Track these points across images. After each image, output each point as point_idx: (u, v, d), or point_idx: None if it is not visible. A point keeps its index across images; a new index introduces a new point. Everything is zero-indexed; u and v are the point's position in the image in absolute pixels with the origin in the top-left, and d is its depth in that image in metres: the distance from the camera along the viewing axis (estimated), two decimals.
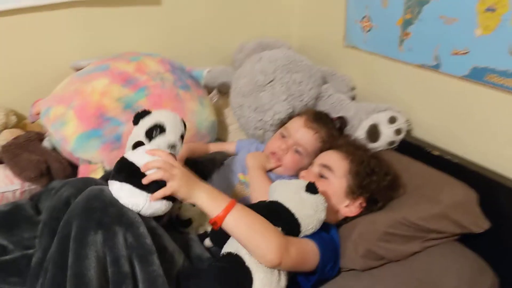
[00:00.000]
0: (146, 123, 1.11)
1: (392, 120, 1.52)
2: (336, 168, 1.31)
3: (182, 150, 1.53)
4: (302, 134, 1.48)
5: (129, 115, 1.47)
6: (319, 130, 1.48)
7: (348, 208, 1.30)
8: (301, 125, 1.49)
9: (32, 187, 1.35)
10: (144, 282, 0.92)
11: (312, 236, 1.15)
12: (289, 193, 1.15)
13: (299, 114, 1.55)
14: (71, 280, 0.89)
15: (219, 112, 1.86)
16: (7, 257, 1.12)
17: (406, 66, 1.58)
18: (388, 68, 1.67)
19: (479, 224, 1.23)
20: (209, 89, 1.91)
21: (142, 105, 1.49)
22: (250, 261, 1.02)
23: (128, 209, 0.96)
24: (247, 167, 1.47)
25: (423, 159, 1.47)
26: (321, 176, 1.32)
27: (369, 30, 1.71)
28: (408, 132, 1.60)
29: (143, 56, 1.63)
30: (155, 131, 1.10)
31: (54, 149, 1.46)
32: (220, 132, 1.84)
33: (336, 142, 1.44)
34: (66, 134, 1.42)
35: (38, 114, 1.52)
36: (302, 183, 1.17)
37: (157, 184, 0.97)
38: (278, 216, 1.10)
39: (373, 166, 1.31)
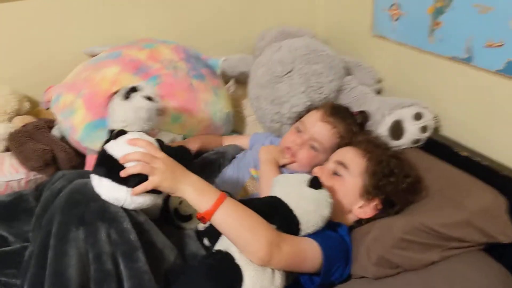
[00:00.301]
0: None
1: (418, 116, 1.40)
2: (351, 166, 1.22)
3: (194, 142, 1.49)
4: (319, 128, 1.39)
5: None
6: (337, 125, 1.39)
7: (362, 209, 1.21)
8: (318, 119, 1.40)
9: (38, 177, 1.32)
10: (129, 279, 0.87)
11: (315, 234, 1.07)
12: (289, 188, 1.08)
13: (316, 108, 1.46)
14: (49, 278, 0.85)
15: (237, 102, 1.79)
16: (7, 248, 1.10)
17: (436, 58, 1.46)
18: (416, 60, 1.55)
19: (508, 233, 1.12)
20: (226, 79, 1.85)
21: None
22: (240, 259, 0.96)
23: (111, 203, 0.91)
24: (259, 161, 1.40)
25: (450, 159, 1.36)
26: (335, 173, 1.23)
27: (397, 19, 1.59)
28: (436, 129, 1.48)
29: (158, 43, 1.58)
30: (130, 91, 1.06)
31: (63, 138, 1.43)
32: (237, 124, 1.77)
33: (355, 138, 1.35)
34: (74, 123, 1.38)
35: (49, 101, 1.49)
36: (305, 177, 1.09)
37: (138, 178, 0.91)
38: (275, 211, 1.04)
39: (393, 166, 1.21)
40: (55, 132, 1.44)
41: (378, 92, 1.74)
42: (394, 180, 1.19)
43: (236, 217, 0.96)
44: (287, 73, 1.52)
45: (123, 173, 0.90)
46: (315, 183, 1.08)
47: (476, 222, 1.11)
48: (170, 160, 0.96)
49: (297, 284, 1.09)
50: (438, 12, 1.40)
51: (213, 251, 1.01)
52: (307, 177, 1.09)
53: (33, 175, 1.32)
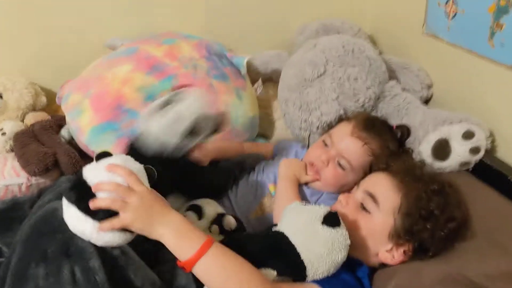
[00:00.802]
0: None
1: (468, 135, 1.19)
2: (383, 201, 1.02)
3: (208, 150, 1.35)
4: (347, 144, 1.20)
5: None
6: (370, 141, 1.20)
7: (390, 253, 1.02)
8: (347, 133, 1.21)
9: (40, 181, 1.24)
10: None
11: (326, 281, 0.91)
12: (300, 224, 0.92)
13: (348, 119, 1.28)
14: None
15: (267, 103, 1.63)
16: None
17: (496, 66, 1.22)
18: (472, 66, 1.32)
19: None
20: (258, 78, 1.70)
21: None
22: None
23: (78, 236, 0.79)
24: (278, 177, 1.25)
25: (505, 190, 1.14)
26: (363, 207, 1.05)
27: (454, 16, 1.36)
28: (490, 151, 1.26)
29: (180, 38, 1.45)
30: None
31: (72, 140, 1.34)
32: (265, 127, 1.62)
33: (393, 160, 1.15)
34: (81, 124, 1.29)
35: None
36: (320, 211, 0.92)
37: (107, 212, 0.78)
38: (278, 253, 0.89)
39: (434, 207, 1.00)
40: (63, 133, 1.35)
41: (427, 100, 1.52)
42: (432, 226, 0.98)
43: (225, 269, 0.82)
44: (318, 76, 1.34)
45: (91, 205, 0.78)
46: (331, 220, 0.91)
47: None
48: (150, 196, 0.83)
49: None
50: (501, 11, 1.16)
51: None
52: (322, 211, 0.92)
53: (34, 180, 1.24)
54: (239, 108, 1.42)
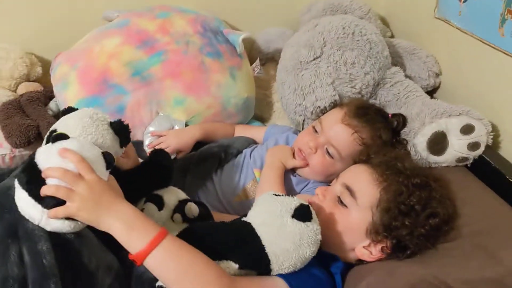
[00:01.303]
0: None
1: (467, 129, 1.11)
2: (360, 195, 0.96)
3: (194, 131, 1.32)
4: (337, 131, 1.15)
5: (136, 83, 1.27)
6: (360, 129, 1.13)
7: (367, 250, 0.96)
8: (338, 120, 1.15)
9: (24, 153, 1.22)
10: None
11: (292, 275, 0.86)
12: (270, 215, 0.86)
13: (341, 105, 1.21)
14: None
15: (266, 84, 1.57)
16: None
17: (505, 56, 1.13)
18: (480, 55, 1.23)
19: None
20: (261, 56, 1.63)
21: (155, 72, 1.28)
22: None
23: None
24: (264, 163, 1.20)
25: (503, 190, 1.07)
26: (341, 201, 0.99)
27: (465, 1, 1.26)
28: (493, 148, 1.18)
29: (175, 12, 1.39)
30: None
31: (59, 113, 1.32)
32: (263, 110, 1.56)
33: (375, 152, 1.08)
34: (67, 97, 1.26)
35: None
36: (291, 203, 0.86)
37: (55, 200, 0.75)
38: (242, 245, 0.84)
39: (414, 202, 0.93)
40: (52, 105, 1.33)
41: (434, 89, 1.44)
42: (411, 223, 0.92)
43: (178, 263, 0.78)
44: (314, 59, 1.27)
45: (41, 192, 0.75)
46: (302, 214, 0.85)
47: None
48: (100, 185, 0.79)
49: None
50: None
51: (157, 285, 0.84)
52: (294, 204, 0.86)
53: (18, 151, 1.22)
54: (232, 88, 1.36)
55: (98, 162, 0.81)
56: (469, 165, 1.16)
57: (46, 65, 1.54)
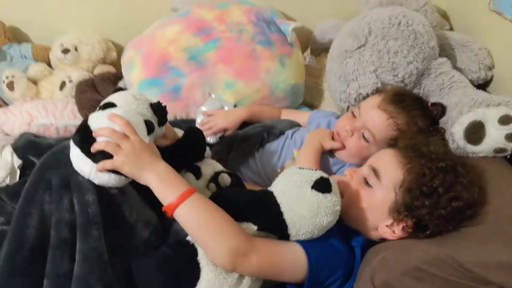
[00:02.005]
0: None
1: (506, 120, 1.10)
2: (385, 176, 1.01)
3: (241, 111, 1.41)
4: (373, 116, 1.19)
5: (192, 67, 1.39)
6: (396, 115, 1.17)
7: (390, 228, 1.01)
8: (375, 106, 1.19)
9: None
10: (79, 253, 0.86)
11: (311, 241, 0.93)
12: (290, 185, 0.94)
13: (379, 92, 1.25)
14: (9, 234, 0.88)
15: (319, 73, 1.64)
16: None
17: None
18: None
19: None
20: (318, 47, 1.70)
21: (209, 58, 1.39)
22: (203, 257, 0.88)
23: (79, 173, 0.90)
24: (304, 142, 1.27)
25: None
26: (366, 182, 1.04)
27: None
28: None
29: (233, 3, 1.50)
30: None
31: None
32: (314, 97, 1.63)
33: (413, 135, 1.12)
34: (132, 78, 1.41)
35: None
36: (313, 175, 0.93)
37: (104, 156, 0.87)
38: (261, 210, 0.92)
39: (437, 184, 0.96)
40: (120, 84, 1.50)
41: (485, 82, 1.42)
42: (432, 203, 0.95)
43: (201, 216, 0.88)
44: (358, 48, 1.32)
45: (92, 148, 0.88)
46: (321, 186, 0.92)
47: None
48: (142, 145, 0.90)
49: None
50: None
51: (179, 239, 0.95)
52: (315, 176, 0.93)
53: None
54: (280, 74, 1.44)
55: (140, 127, 0.93)
56: (508, 157, 1.15)
57: (120, 50, 1.72)
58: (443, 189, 0.97)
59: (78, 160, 0.89)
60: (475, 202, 0.99)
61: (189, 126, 1.12)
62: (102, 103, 0.98)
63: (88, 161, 0.88)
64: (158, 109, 1.00)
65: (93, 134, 0.89)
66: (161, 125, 1.01)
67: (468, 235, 0.96)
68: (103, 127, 0.89)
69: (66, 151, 0.92)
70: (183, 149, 1.07)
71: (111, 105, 0.95)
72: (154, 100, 1.01)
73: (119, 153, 0.88)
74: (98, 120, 0.91)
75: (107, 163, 0.88)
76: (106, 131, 0.89)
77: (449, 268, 0.88)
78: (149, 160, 0.90)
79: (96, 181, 0.89)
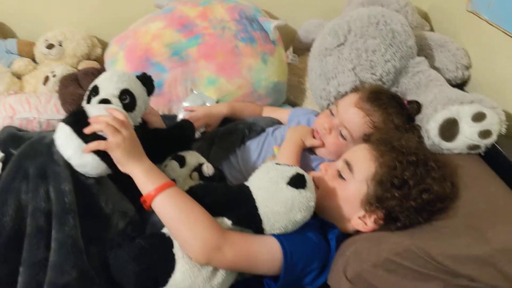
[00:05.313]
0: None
1: (479, 117, 1.13)
2: (357, 169, 1.04)
3: (222, 107, 1.43)
4: (350, 114, 1.21)
5: (174, 63, 1.41)
6: (372, 113, 1.19)
7: (362, 220, 1.03)
8: (351, 104, 1.21)
9: None
10: (54, 241, 0.88)
11: (287, 234, 0.96)
12: (266, 180, 0.96)
13: (357, 90, 1.27)
14: None
15: (302, 72, 1.66)
16: None
17: None
18: (507, 48, 1.23)
19: None
20: (302, 46, 1.72)
21: (192, 53, 1.41)
22: (179, 249, 0.90)
23: (56, 162, 0.91)
24: (285, 139, 1.29)
25: (510, 178, 1.08)
26: (340, 175, 1.07)
27: None
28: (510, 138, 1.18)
29: (216, 1, 1.52)
30: (90, 94, 1.03)
31: None
32: (297, 95, 1.65)
33: (387, 132, 1.14)
34: None
35: None
36: (289, 171, 0.95)
37: (96, 138, 0.90)
38: (237, 205, 0.94)
39: (408, 177, 0.99)
40: None
41: (463, 81, 1.44)
42: (403, 194, 0.98)
43: (177, 208, 0.91)
44: (337, 46, 1.34)
45: (87, 129, 0.90)
46: (296, 182, 0.94)
47: (499, 263, 0.88)
48: (136, 139, 0.95)
49: (260, 282, 1.00)
50: None
51: (154, 231, 0.97)
52: (291, 172, 0.95)
53: None
54: (262, 72, 1.46)
55: None
56: (482, 154, 1.18)
57: (105, 47, 1.72)
58: (413, 181, 0.99)
59: (66, 137, 0.90)
60: (446, 196, 1.02)
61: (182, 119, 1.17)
62: (92, 87, 1.03)
63: (78, 140, 0.90)
64: (146, 79, 1.08)
65: (91, 120, 0.91)
66: (149, 95, 1.09)
67: (440, 229, 0.98)
68: (104, 114, 0.92)
69: (43, 141, 0.93)
70: (172, 134, 1.13)
71: (106, 101, 0.98)
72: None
73: (117, 136, 0.90)
74: (96, 109, 0.94)
75: (101, 143, 0.90)
76: (108, 118, 0.91)
77: (420, 260, 0.91)
78: (139, 153, 0.94)
79: (77, 161, 0.91)
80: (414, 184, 0.99)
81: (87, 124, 0.91)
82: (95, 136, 0.90)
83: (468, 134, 1.14)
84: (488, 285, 0.89)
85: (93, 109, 0.95)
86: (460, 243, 0.93)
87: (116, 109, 0.96)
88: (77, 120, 0.92)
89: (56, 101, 1.43)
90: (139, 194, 0.94)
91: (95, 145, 0.90)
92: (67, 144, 0.91)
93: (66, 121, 0.93)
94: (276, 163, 1.00)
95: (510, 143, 1.18)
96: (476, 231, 0.95)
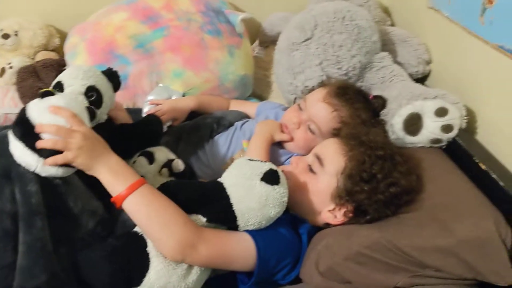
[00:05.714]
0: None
1: (441, 112, 1.17)
2: (328, 163, 1.06)
3: (189, 101, 1.41)
4: (318, 109, 1.22)
5: (139, 55, 1.38)
6: (340, 108, 1.21)
7: (332, 213, 1.05)
8: (319, 99, 1.23)
9: None
10: (22, 244, 0.84)
11: (260, 230, 0.96)
12: (240, 177, 0.95)
13: (324, 85, 1.29)
14: None
15: (268, 65, 1.66)
16: None
17: (483, 44, 1.19)
18: (464, 44, 1.28)
19: (502, 274, 0.91)
20: (267, 39, 1.72)
21: (157, 46, 1.38)
22: (152, 248, 0.89)
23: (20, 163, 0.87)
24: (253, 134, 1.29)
25: (470, 171, 1.13)
26: (311, 169, 1.08)
27: None
28: (470, 132, 1.24)
29: None
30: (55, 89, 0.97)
31: None
32: (263, 89, 1.65)
33: (356, 127, 1.17)
34: None
35: None
36: (262, 168, 0.95)
37: (52, 150, 0.85)
38: (211, 201, 0.94)
39: (376, 171, 1.02)
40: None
41: (424, 76, 1.49)
42: (371, 188, 1.01)
43: (150, 207, 0.89)
44: (304, 41, 1.35)
45: (38, 145, 0.85)
46: (270, 178, 0.94)
47: (461, 253, 0.92)
48: (92, 135, 0.90)
49: (233, 276, 1.01)
50: None
51: (127, 231, 0.95)
52: (264, 168, 0.95)
53: None
54: (229, 65, 1.46)
55: (83, 115, 0.92)
56: (444, 147, 1.23)
57: (63, 37, 1.66)
58: (381, 175, 1.02)
59: (23, 154, 0.86)
60: (412, 189, 1.06)
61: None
62: (56, 82, 0.98)
63: (34, 156, 0.86)
64: (111, 74, 1.04)
65: (37, 130, 0.86)
66: (116, 90, 1.05)
67: (407, 221, 1.02)
68: (47, 124, 0.86)
69: (6, 140, 0.89)
70: (138, 132, 1.10)
71: (49, 93, 0.91)
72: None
73: (70, 147, 0.86)
74: (38, 114, 0.87)
75: (58, 158, 0.86)
76: (52, 129, 0.86)
77: (389, 253, 0.94)
78: (101, 151, 0.90)
79: (44, 174, 0.87)
80: (382, 178, 1.02)
81: (35, 134, 0.86)
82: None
83: (431, 128, 1.18)
84: (453, 274, 0.93)
85: (36, 112, 0.88)
86: (425, 235, 0.96)
87: (61, 108, 0.88)
88: (26, 133, 0.86)
89: (13, 94, 1.37)
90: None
91: (53, 161, 0.86)
92: (26, 160, 0.86)
93: (16, 134, 0.87)
94: (249, 159, 1.00)
95: (469, 137, 1.23)
96: (441, 223, 0.98)
